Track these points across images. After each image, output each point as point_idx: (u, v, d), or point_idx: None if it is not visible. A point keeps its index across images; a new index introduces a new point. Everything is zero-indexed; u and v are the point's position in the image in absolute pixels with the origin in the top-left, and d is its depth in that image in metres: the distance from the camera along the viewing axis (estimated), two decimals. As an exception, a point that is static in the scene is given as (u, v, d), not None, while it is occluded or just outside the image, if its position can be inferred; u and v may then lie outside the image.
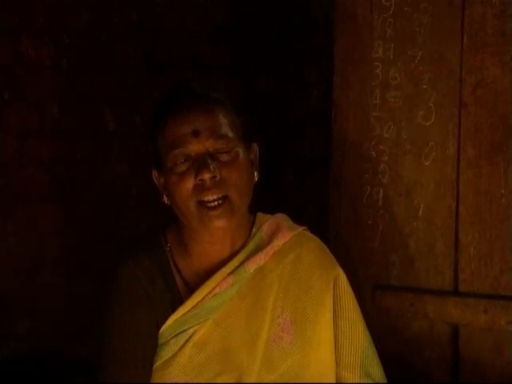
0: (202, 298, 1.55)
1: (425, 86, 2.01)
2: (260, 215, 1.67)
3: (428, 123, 2.01)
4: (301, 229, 1.68)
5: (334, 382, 1.61)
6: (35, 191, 3.09)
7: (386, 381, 1.66)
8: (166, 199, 1.58)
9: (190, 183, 1.50)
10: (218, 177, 1.50)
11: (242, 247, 1.61)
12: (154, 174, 1.61)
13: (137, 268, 1.56)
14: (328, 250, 1.69)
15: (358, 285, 2.07)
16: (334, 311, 1.62)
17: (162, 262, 1.59)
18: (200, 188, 1.49)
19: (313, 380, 1.57)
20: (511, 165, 1.87)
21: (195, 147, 1.51)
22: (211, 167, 1.49)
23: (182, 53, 3.36)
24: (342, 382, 1.61)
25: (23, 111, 3.06)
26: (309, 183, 3.04)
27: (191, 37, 3.38)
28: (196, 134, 1.51)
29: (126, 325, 1.53)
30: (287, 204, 3.00)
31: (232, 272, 1.57)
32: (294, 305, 1.59)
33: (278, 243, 1.62)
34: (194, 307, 1.55)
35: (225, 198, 1.50)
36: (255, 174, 1.60)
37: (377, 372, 1.63)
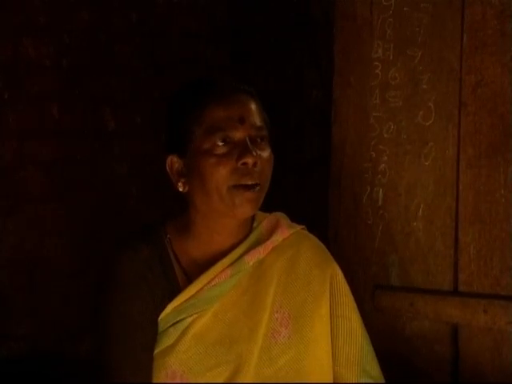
0: (201, 288, 1.56)
1: (425, 86, 2.01)
2: (259, 213, 1.68)
3: (428, 123, 2.01)
4: (299, 227, 1.70)
5: (331, 376, 1.62)
6: (35, 191, 3.09)
7: (383, 378, 1.66)
8: (181, 186, 1.58)
9: (229, 166, 1.51)
10: (259, 163, 1.52)
11: (243, 240, 1.62)
12: (171, 159, 1.59)
13: (135, 257, 1.57)
14: (325, 249, 1.70)
15: (358, 285, 2.07)
16: (331, 308, 1.63)
17: (161, 251, 1.60)
18: (240, 172, 1.51)
19: (310, 374, 1.58)
20: (511, 165, 1.87)
21: (239, 133, 1.53)
22: (254, 153, 1.51)
23: (182, 53, 3.36)
24: (339, 379, 1.62)
25: (23, 111, 3.06)
26: (309, 183, 3.04)
27: (191, 37, 3.39)
28: (242, 120, 1.53)
29: (125, 312, 1.54)
30: (287, 204, 2.99)
31: (231, 264, 1.59)
32: (292, 300, 1.60)
33: (277, 238, 1.64)
34: (192, 297, 1.56)
35: (258, 186, 1.53)
36: None
37: (374, 369, 1.64)
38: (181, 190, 1.58)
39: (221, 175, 1.51)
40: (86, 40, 3.16)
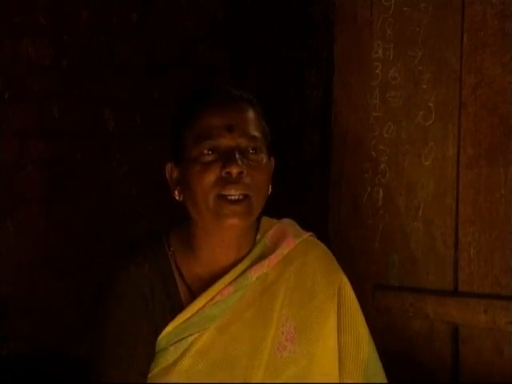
0: (203, 306, 1.53)
1: (425, 86, 2.01)
2: (265, 220, 1.65)
3: (428, 123, 2.01)
4: (306, 235, 1.66)
5: None
6: (35, 191, 3.09)
7: None
8: (177, 195, 1.56)
9: (214, 174, 1.48)
10: (245, 173, 1.48)
11: (247, 254, 1.59)
12: (169, 167, 1.58)
13: (137, 273, 1.54)
14: (333, 258, 1.67)
15: (358, 285, 2.07)
16: (338, 320, 1.60)
17: (164, 267, 1.57)
18: (224, 181, 1.47)
19: None
20: (511, 165, 1.87)
21: (227, 141, 1.49)
22: (239, 162, 1.47)
23: (182, 53, 3.35)
24: None
25: (23, 111, 3.06)
26: (309, 183, 3.04)
27: (191, 37, 3.38)
28: (230, 128, 1.50)
29: (121, 331, 1.51)
30: (287, 204, 3.00)
31: (234, 280, 1.55)
32: (298, 313, 1.57)
33: (282, 251, 1.60)
34: (194, 315, 1.53)
35: (246, 197, 1.49)
36: (269, 186, 1.58)
37: (379, 380, 1.62)
38: (177, 198, 1.56)
39: (205, 184, 1.48)
40: (86, 40, 3.16)
